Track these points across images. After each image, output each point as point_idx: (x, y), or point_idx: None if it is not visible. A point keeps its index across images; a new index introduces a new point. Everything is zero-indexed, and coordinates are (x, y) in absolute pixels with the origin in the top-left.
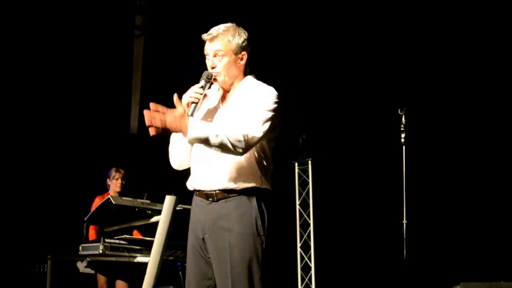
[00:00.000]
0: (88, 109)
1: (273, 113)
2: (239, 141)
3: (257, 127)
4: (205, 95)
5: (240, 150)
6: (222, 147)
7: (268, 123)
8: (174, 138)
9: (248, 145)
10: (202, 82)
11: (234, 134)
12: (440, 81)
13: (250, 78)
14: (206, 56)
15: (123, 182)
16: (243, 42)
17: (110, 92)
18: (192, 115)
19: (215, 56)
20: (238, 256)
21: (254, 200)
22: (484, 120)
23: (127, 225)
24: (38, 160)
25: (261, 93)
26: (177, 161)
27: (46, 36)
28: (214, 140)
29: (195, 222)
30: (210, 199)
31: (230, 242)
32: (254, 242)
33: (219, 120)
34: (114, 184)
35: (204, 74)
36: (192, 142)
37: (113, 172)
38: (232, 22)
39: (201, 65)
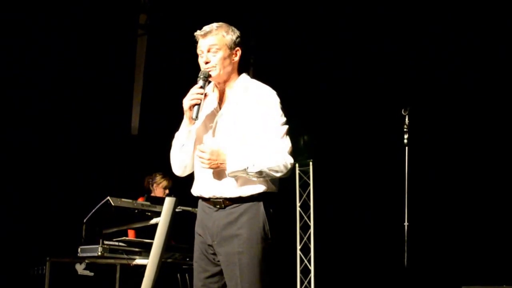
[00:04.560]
0: (89, 109)
1: (287, 127)
2: (280, 170)
3: (288, 151)
4: (205, 94)
5: (280, 175)
6: (261, 175)
7: (288, 138)
8: (176, 147)
9: (288, 171)
10: (200, 82)
11: (273, 163)
12: (443, 81)
13: (244, 77)
14: (200, 55)
15: (167, 190)
16: (237, 38)
17: (111, 92)
18: (196, 117)
19: (209, 51)
20: (248, 261)
21: (261, 204)
22: (489, 121)
23: (127, 227)
24: (38, 162)
25: (267, 104)
26: (180, 167)
27: (48, 35)
28: (252, 170)
29: (202, 228)
30: (218, 206)
31: (239, 247)
32: (263, 246)
33: (219, 124)
34: (160, 191)
35: (201, 73)
36: (231, 175)
37: (160, 179)
38: (235, 20)
39: (199, 67)
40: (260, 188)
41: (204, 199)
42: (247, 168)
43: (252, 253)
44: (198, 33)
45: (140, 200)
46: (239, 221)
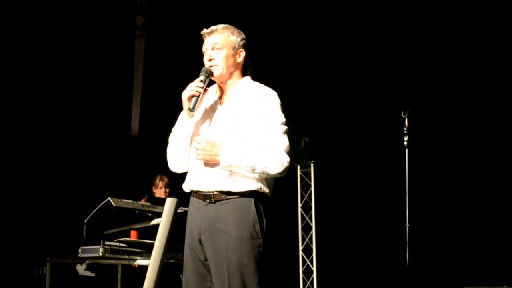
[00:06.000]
0: (89, 109)
1: (286, 127)
2: (276, 168)
3: (285, 149)
4: (205, 89)
5: (275, 173)
6: (255, 171)
7: (287, 137)
8: (173, 141)
9: (284, 170)
10: (201, 77)
11: (269, 161)
12: (443, 82)
13: (248, 79)
14: (204, 53)
15: (167, 189)
16: (242, 40)
17: (111, 93)
18: (193, 109)
19: (213, 49)
20: (235, 259)
21: (252, 202)
22: (490, 122)
23: (128, 227)
24: (38, 162)
25: (268, 105)
26: (176, 164)
27: (46, 37)
28: (246, 164)
29: (192, 223)
30: (208, 200)
31: (227, 245)
32: (252, 245)
33: (218, 122)
34: (159, 192)
35: (203, 69)
36: (225, 169)
37: (156, 181)
38: (235, 22)
39: (203, 65)
40: (252, 185)
41: (194, 193)
42: (241, 161)
43: (240, 251)
44: (204, 31)
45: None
46: (228, 218)
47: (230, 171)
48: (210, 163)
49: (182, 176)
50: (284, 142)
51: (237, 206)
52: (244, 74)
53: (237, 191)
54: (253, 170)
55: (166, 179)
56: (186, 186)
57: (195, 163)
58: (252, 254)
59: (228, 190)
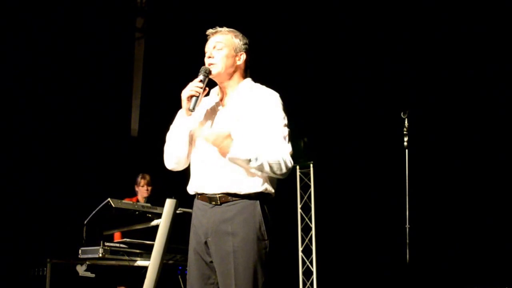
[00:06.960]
0: (89, 111)
1: (288, 129)
2: (280, 168)
3: (288, 151)
4: (204, 89)
5: (279, 174)
6: (261, 170)
7: (289, 139)
8: (171, 139)
9: (287, 172)
10: (200, 77)
11: (274, 160)
12: (443, 84)
13: (248, 80)
14: (206, 53)
15: (149, 187)
16: (244, 44)
17: (111, 94)
18: (193, 109)
19: (214, 48)
20: (243, 261)
21: (258, 204)
22: (489, 123)
23: (127, 228)
24: (38, 163)
25: (270, 106)
26: (172, 161)
27: (46, 39)
28: (253, 163)
29: (197, 225)
30: (213, 203)
31: (234, 246)
32: (258, 246)
33: (219, 122)
34: (141, 190)
35: (202, 69)
36: (232, 161)
37: (138, 179)
38: (235, 24)
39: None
40: (258, 187)
41: (199, 195)
42: (250, 160)
43: (247, 253)
44: (209, 31)
45: (127, 200)
46: (235, 219)
47: (234, 163)
48: (215, 166)
49: (181, 177)
50: (288, 146)
51: (243, 208)
52: (245, 77)
53: (243, 193)
54: (261, 169)
55: (147, 177)
56: (191, 188)
57: (200, 165)
58: (259, 255)
59: (234, 192)
